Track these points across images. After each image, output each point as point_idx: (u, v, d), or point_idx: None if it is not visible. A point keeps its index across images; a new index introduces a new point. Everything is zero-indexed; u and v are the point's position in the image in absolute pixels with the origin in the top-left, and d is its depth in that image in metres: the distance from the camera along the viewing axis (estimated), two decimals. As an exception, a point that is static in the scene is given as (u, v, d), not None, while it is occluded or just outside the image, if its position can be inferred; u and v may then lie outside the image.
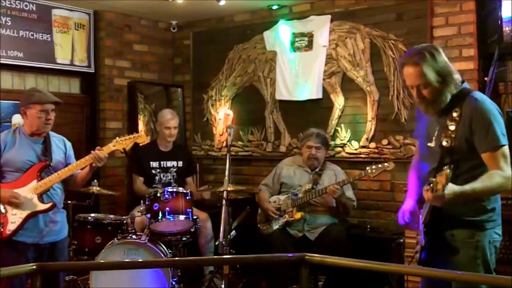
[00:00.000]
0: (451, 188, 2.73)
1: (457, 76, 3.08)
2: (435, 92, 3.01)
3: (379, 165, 4.93)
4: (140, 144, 6.28)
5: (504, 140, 2.95)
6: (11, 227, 3.92)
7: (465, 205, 3.00)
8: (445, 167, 2.74)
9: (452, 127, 3.00)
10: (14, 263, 3.40)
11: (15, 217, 3.93)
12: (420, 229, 3.16)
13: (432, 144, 3.12)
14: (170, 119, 5.72)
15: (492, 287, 2.83)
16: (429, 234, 3.10)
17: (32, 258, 3.94)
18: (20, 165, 4.00)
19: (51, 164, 4.06)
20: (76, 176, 4.19)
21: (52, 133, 4.21)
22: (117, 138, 4.25)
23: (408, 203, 3.22)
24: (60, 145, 4.21)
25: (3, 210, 3.95)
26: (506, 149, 2.95)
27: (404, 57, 3.20)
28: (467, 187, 2.83)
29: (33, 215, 3.96)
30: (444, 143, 3.00)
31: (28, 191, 3.97)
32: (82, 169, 4.14)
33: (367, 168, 4.95)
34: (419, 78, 3.00)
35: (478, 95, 3.07)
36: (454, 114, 3.01)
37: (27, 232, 3.97)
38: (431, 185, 2.73)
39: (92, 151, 4.06)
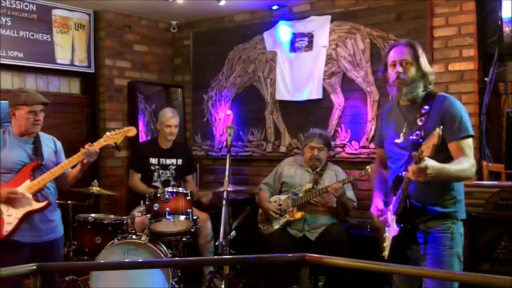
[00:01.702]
0: (432, 162, 2.84)
1: (433, 78, 3.30)
2: (414, 75, 3.21)
3: None
4: (140, 141, 6.33)
5: (472, 131, 3.14)
6: (7, 228, 3.92)
7: (438, 196, 3.15)
8: (435, 130, 2.82)
9: (420, 122, 3.16)
10: (11, 263, 3.40)
11: (10, 218, 3.93)
12: (389, 222, 3.27)
13: (399, 140, 3.27)
14: (170, 117, 5.72)
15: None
16: (401, 224, 3.18)
17: (28, 257, 3.93)
18: (12, 165, 4.00)
19: (43, 163, 4.07)
20: (67, 175, 4.19)
21: (41, 133, 4.21)
22: (107, 133, 4.26)
23: (377, 203, 3.39)
24: (50, 145, 4.22)
25: None
26: (472, 140, 3.14)
27: (395, 42, 3.47)
28: (445, 164, 2.95)
29: (29, 214, 3.96)
30: (414, 137, 3.14)
31: (22, 191, 3.97)
32: (74, 167, 4.15)
33: (367, 167, 4.96)
34: (408, 55, 3.24)
35: (446, 95, 3.28)
36: (424, 110, 3.18)
37: (24, 231, 3.97)
38: (415, 155, 2.84)
39: (82, 147, 4.07)
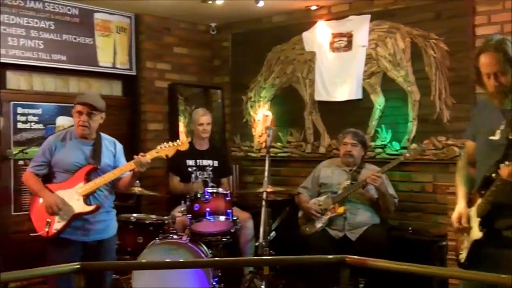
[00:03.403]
0: None
1: None
2: (510, 81, 2.98)
3: (417, 148, 4.94)
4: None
5: None
6: (57, 226, 4.02)
7: None
8: None
9: None
10: (61, 261, 3.48)
11: (60, 217, 4.03)
12: (470, 224, 3.11)
13: (496, 137, 3.07)
14: (202, 115, 5.77)
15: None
16: (485, 227, 3.03)
17: (79, 256, 4.02)
18: (68, 166, 4.09)
19: (99, 167, 4.13)
20: (121, 181, 4.24)
21: (104, 135, 4.30)
22: (161, 144, 4.29)
23: (461, 205, 3.18)
24: (111, 148, 4.28)
25: None
26: None
27: (483, 44, 3.17)
28: None
29: (78, 216, 4.04)
30: None
31: (74, 193, 4.05)
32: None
33: (405, 152, 4.95)
34: (499, 64, 2.98)
35: None
36: None
37: (75, 230, 4.06)
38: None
39: (135, 156, 4.11)
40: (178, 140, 4.35)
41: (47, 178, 4.20)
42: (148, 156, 4.13)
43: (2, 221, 5.35)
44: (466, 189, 3.24)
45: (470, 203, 3.17)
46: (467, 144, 3.40)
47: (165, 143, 4.31)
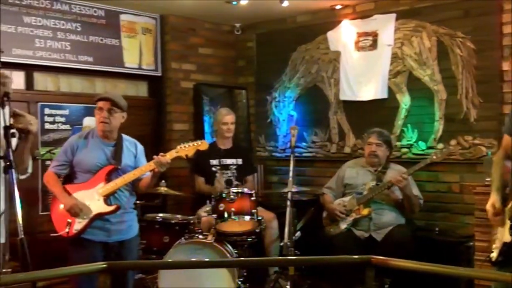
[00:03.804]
0: None
1: None
2: None
3: (444, 150, 4.86)
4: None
5: None
6: (77, 226, 4.05)
7: None
8: None
9: None
10: (82, 261, 3.52)
11: (81, 218, 4.06)
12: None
13: None
14: (225, 114, 5.79)
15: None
16: None
17: (100, 256, 4.05)
18: (89, 167, 4.13)
19: (120, 167, 4.16)
20: (140, 181, 4.27)
21: (125, 136, 4.32)
22: (180, 144, 4.31)
23: (494, 198, 3.15)
24: (131, 149, 4.30)
25: None
26: None
27: None
28: None
29: (98, 216, 4.07)
30: None
31: (95, 193, 4.08)
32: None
33: (432, 153, 4.90)
34: None
35: None
36: None
37: (95, 230, 4.09)
38: None
39: (155, 156, 4.13)
40: (198, 140, 4.37)
41: (68, 178, 4.24)
42: (168, 156, 4.15)
43: (30, 221, 5.42)
44: (500, 184, 3.21)
45: (504, 202, 3.13)
46: (505, 138, 3.37)
47: (185, 143, 4.33)
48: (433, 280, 4.70)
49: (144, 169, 4.17)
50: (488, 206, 3.17)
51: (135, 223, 4.34)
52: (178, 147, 4.29)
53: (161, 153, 4.18)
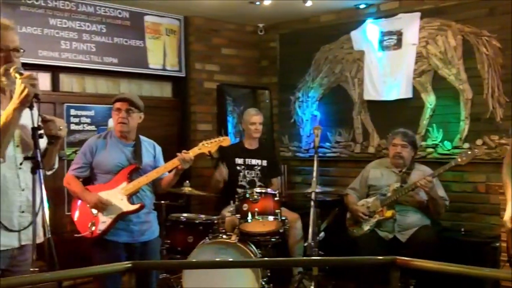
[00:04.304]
0: None
1: None
2: None
3: (469, 152, 4.86)
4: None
5: None
6: (101, 226, 4.08)
7: None
8: None
9: None
10: (106, 262, 3.54)
11: (105, 218, 4.09)
12: None
13: None
14: (254, 114, 5.80)
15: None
16: None
17: (123, 257, 4.08)
18: (110, 167, 4.16)
19: (141, 167, 4.19)
20: (163, 179, 4.30)
21: (143, 138, 4.34)
22: (203, 141, 4.34)
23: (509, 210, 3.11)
24: (150, 149, 4.33)
25: (94, 211, 4.12)
26: None
27: None
28: None
29: (123, 215, 4.10)
30: None
31: (118, 193, 4.11)
32: (169, 171, 4.26)
33: (457, 156, 4.85)
34: None
35: None
36: None
37: (119, 231, 4.12)
38: None
39: (178, 153, 4.16)
40: (220, 137, 4.39)
41: (87, 180, 4.26)
42: (191, 153, 4.18)
43: (56, 221, 5.48)
44: None
45: None
46: None
47: (207, 140, 4.35)
48: (458, 281, 4.67)
49: (168, 166, 4.20)
50: (506, 218, 3.11)
51: (156, 224, 4.38)
52: (200, 144, 4.33)
53: (184, 150, 4.21)
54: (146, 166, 4.22)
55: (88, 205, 4.12)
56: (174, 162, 4.17)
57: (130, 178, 4.14)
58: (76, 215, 4.22)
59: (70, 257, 3.97)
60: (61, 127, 2.74)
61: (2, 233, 2.75)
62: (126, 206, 4.10)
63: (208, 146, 4.31)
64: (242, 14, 6.58)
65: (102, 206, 4.06)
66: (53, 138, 2.73)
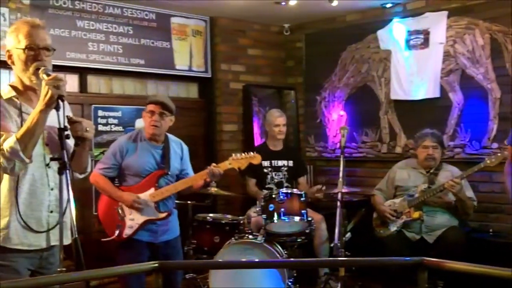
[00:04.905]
0: None
1: None
2: None
3: (498, 154, 4.80)
4: (253, 146, 6.40)
5: None
6: (128, 231, 4.10)
7: None
8: None
9: None
10: (130, 261, 3.57)
11: (132, 222, 4.11)
12: None
13: None
14: (278, 116, 5.79)
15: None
16: None
17: (147, 256, 4.10)
18: (139, 171, 4.16)
19: (169, 173, 4.21)
20: (189, 187, 4.30)
21: (171, 137, 4.33)
22: (233, 155, 4.33)
23: None
24: (178, 150, 4.33)
25: (121, 214, 4.15)
26: None
27: None
28: None
29: (149, 222, 4.12)
30: None
31: (146, 199, 4.12)
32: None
33: (486, 158, 4.78)
34: None
35: None
36: None
37: (142, 231, 4.13)
38: None
39: (208, 167, 4.17)
40: (251, 153, 4.38)
41: (113, 180, 4.27)
42: (221, 167, 4.19)
43: (84, 221, 5.55)
44: None
45: None
46: (510, 150, 3.28)
47: (238, 154, 4.34)
48: (487, 282, 4.61)
49: (196, 178, 4.22)
50: None
51: (177, 223, 4.38)
52: (231, 158, 4.31)
53: (214, 164, 4.21)
54: (174, 170, 4.24)
55: (124, 204, 4.12)
56: (203, 175, 4.19)
57: (158, 184, 4.15)
58: (102, 217, 4.25)
59: (97, 256, 4.02)
60: (88, 129, 2.73)
61: (30, 233, 2.79)
62: (154, 214, 4.12)
63: (239, 162, 4.30)
64: (267, 14, 6.59)
65: (139, 207, 4.08)
66: (79, 140, 2.73)
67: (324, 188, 5.42)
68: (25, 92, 2.83)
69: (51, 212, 2.84)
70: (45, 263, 2.88)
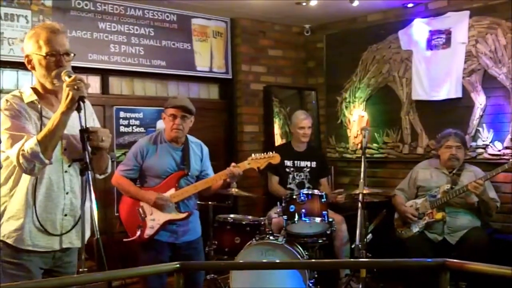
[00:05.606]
0: None
1: None
2: None
3: None
4: (276, 145, 6.41)
5: None
6: (149, 232, 4.14)
7: None
8: None
9: None
10: (152, 261, 3.60)
11: (153, 223, 4.15)
12: None
13: None
14: (303, 119, 5.78)
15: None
16: None
17: (168, 257, 4.14)
18: (160, 172, 4.20)
19: (189, 173, 4.23)
20: (209, 187, 4.32)
21: (191, 138, 4.36)
22: (252, 155, 4.35)
23: None
24: (198, 152, 4.36)
25: (142, 214, 4.18)
26: None
27: None
28: None
29: (170, 222, 4.15)
30: None
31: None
32: None
33: (511, 159, 4.72)
34: None
35: None
36: None
37: (164, 232, 4.17)
38: None
39: (228, 168, 4.20)
40: (270, 152, 4.40)
41: (134, 181, 4.31)
42: (241, 167, 4.21)
43: (106, 222, 5.58)
44: None
45: None
46: None
47: (257, 154, 4.36)
48: (510, 284, 4.56)
49: (216, 178, 4.24)
50: None
51: (199, 223, 4.41)
52: (250, 158, 4.34)
53: (233, 164, 4.23)
54: (194, 171, 4.27)
55: (147, 203, 4.16)
56: (223, 175, 4.21)
57: (178, 185, 4.19)
58: (124, 217, 4.29)
59: (119, 257, 4.06)
60: (103, 138, 2.73)
61: (43, 236, 2.81)
62: (175, 214, 4.16)
63: (258, 162, 4.32)
64: (288, 15, 6.58)
65: (162, 203, 4.11)
66: (96, 149, 2.74)
67: (343, 196, 5.41)
68: (46, 96, 2.86)
69: (65, 215, 2.87)
70: (60, 262, 2.91)
